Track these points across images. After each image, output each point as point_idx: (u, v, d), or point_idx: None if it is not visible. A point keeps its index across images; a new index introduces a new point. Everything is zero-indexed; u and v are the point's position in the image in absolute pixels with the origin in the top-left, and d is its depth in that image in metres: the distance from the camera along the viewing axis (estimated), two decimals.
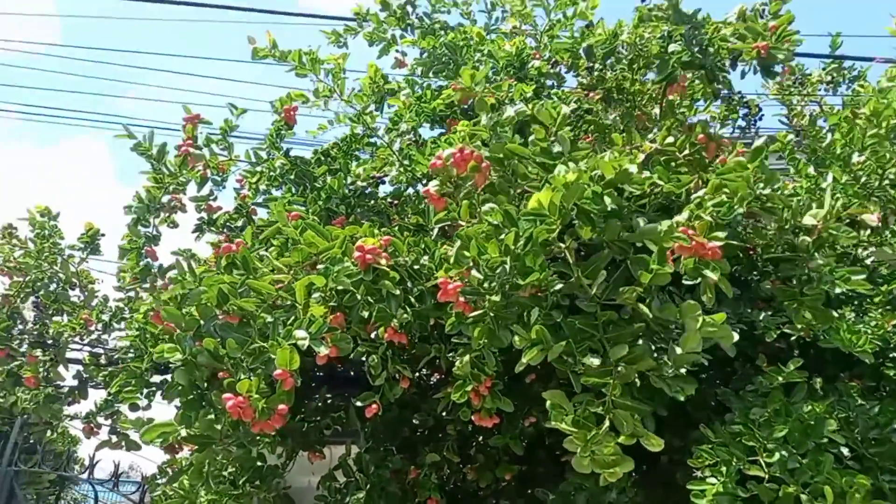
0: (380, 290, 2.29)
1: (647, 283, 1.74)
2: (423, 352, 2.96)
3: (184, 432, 1.84)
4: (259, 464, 3.42)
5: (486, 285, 2.09)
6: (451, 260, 1.81)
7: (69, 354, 4.03)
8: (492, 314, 2.07)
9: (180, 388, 1.87)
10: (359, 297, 2.26)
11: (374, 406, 2.49)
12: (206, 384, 1.90)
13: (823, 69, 5.92)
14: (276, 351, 1.94)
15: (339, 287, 2.17)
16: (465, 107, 3.83)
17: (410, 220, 2.87)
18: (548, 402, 1.80)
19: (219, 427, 1.84)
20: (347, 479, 3.36)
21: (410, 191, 3.54)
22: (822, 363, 2.80)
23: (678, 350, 1.78)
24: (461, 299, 2.27)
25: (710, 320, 1.67)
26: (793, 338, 2.79)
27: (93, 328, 3.70)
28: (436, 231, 3.02)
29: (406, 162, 3.39)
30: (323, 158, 3.16)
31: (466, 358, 2.45)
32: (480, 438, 3.75)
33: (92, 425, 3.46)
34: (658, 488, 3.35)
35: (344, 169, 3.05)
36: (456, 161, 2.27)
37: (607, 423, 1.76)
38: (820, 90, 5.89)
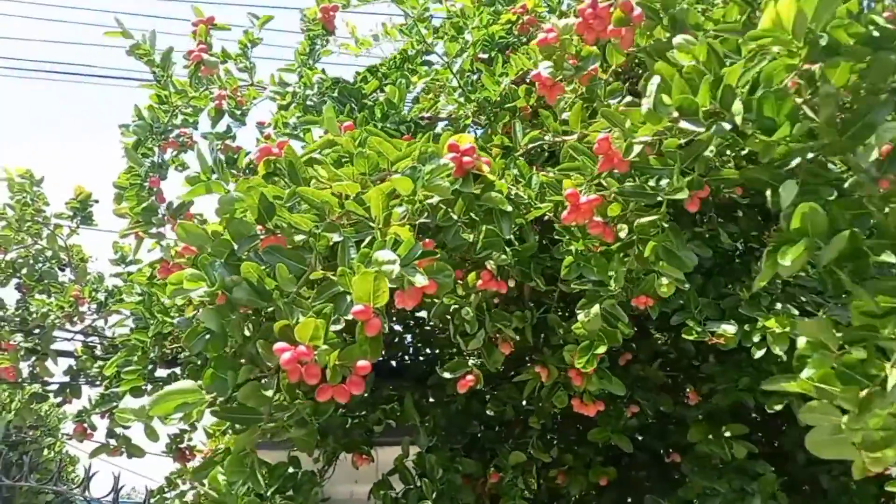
0: (482, 206, 1.62)
1: None
2: (501, 319, 2.29)
3: (213, 403, 1.15)
4: (292, 470, 2.74)
5: (651, 183, 1.42)
6: (646, 109, 1.13)
7: (59, 346, 3.37)
8: (666, 224, 1.39)
9: (209, 335, 1.19)
10: (454, 215, 1.59)
11: (469, 377, 1.81)
12: (248, 333, 1.22)
13: None
14: (349, 281, 1.26)
15: (432, 199, 1.49)
16: (526, 39, 3.20)
17: (494, 141, 2.20)
18: (800, 340, 1.12)
19: (269, 394, 1.15)
20: (406, 487, 2.66)
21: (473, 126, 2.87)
22: None
23: None
24: (597, 219, 1.61)
25: None
26: None
27: (84, 307, 3.00)
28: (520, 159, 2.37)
29: (469, 88, 2.73)
30: (370, 76, 2.48)
31: (595, 308, 1.76)
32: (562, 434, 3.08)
33: (85, 426, 2.75)
34: (797, 494, 2.70)
35: (404, 81, 2.37)
36: (586, 20, 1.60)
37: (895, 375, 1.07)
38: None
